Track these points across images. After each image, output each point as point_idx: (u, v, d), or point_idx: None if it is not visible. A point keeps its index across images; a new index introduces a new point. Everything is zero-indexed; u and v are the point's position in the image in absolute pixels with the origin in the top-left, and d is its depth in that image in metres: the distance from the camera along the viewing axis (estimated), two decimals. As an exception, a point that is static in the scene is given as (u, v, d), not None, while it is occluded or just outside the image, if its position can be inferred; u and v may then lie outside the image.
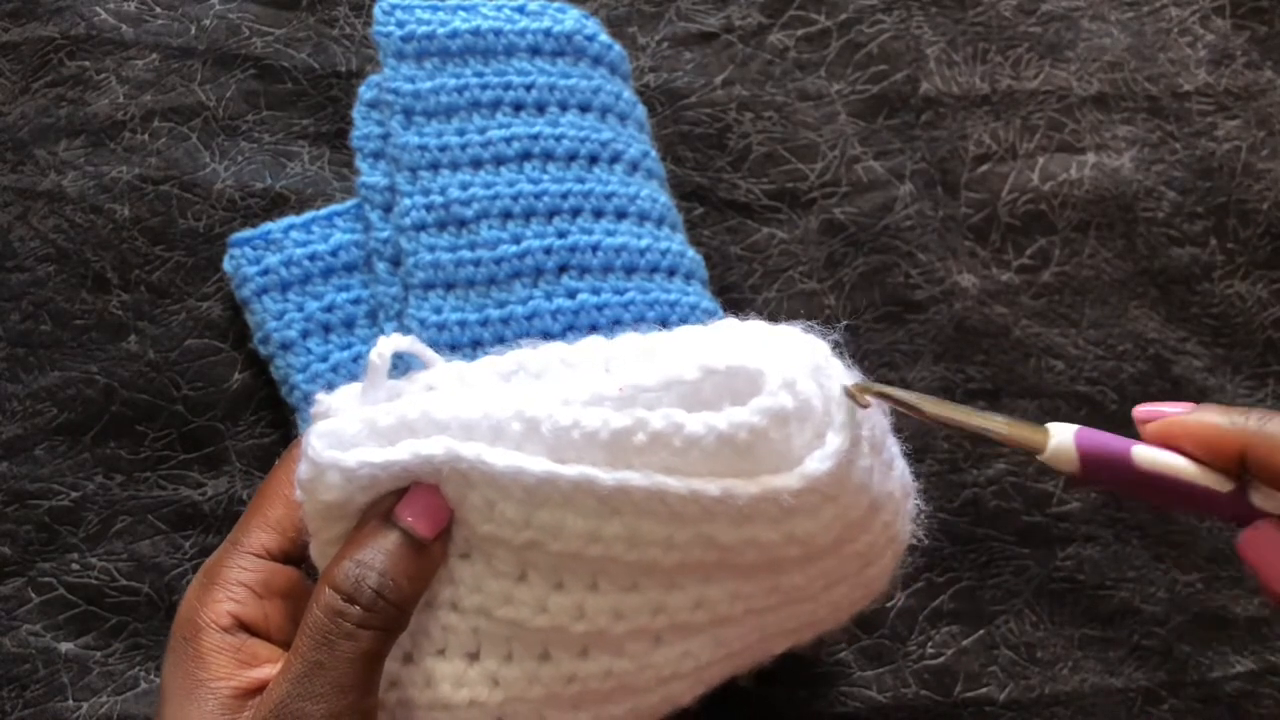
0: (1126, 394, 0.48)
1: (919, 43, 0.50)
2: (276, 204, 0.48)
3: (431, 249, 0.44)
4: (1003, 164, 0.50)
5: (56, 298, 0.47)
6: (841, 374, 0.35)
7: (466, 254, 0.44)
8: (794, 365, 0.34)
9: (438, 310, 0.43)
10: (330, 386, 0.44)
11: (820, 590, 0.37)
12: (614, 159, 0.46)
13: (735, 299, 0.48)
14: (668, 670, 0.36)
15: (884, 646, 0.46)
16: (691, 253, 0.46)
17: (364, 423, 0.34)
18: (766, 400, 0.33)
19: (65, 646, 0.44)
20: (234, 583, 0.36)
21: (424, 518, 0.34)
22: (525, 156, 0.45)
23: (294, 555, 0.38)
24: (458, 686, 0.35)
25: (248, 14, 0.49)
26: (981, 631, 0.46)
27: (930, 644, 0.46)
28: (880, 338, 0.48)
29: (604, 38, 0.47)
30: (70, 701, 0.44)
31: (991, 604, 0.47)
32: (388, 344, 0.36)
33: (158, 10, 0.49)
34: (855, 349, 0.48)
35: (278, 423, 0.46)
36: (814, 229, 0.49)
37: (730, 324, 0.37)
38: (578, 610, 0.35)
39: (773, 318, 0.48)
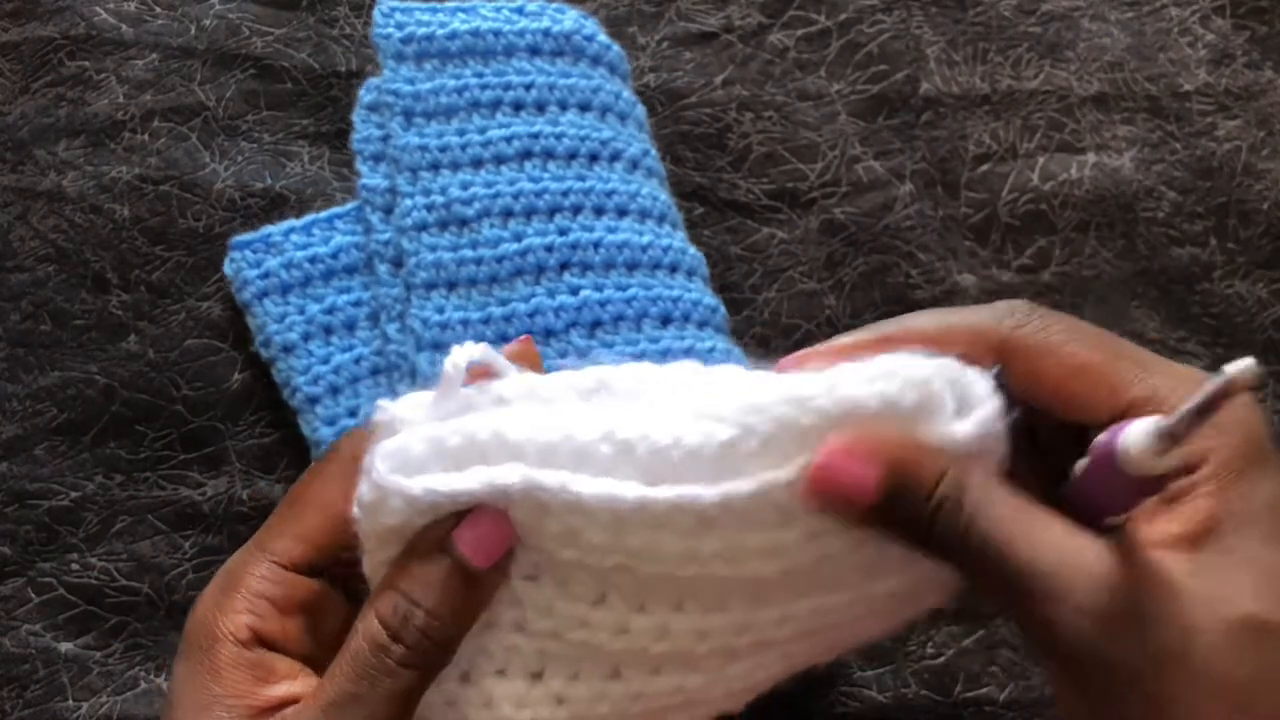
0: (1126, 394, 0.48)
1: (919, 43, 0.50)
2: (276, 204, 0.48)
3: (433, 249, 0.44)
4: (1003, 164, 0.50)
5: (56, 298, 0.47)
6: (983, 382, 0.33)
7: (468, 253, 0.44)
8: (925, 364, 0.32)
9: (440, 310, 0.43)
10: (334, 389, 0.44)
11: (902, 601, 0.35)
12: (614, 157, 0.46)
13: (735, 299, 0.48)
14: (738, 685, 0.35)
15: (884, 646, 0.46)
16: (693, 250, 0.46)
17: (431, 442, 0.32)
18: (901, 376, 0.31)
19: (65, 646, 0.44)
20: (256, 594, 0.35)
21: (481, 547, 0.32)
22: (526, 155, 0.45)
23: (319, 566, 0.36)
24: (519, 707, 0.34)
25: (248, 14, 0.49)
26: (981, 631, 0.46)
27: (930, 644, 0.46)
28: (880, 338, 0.48)
29: (602, 38, 0.47)
30: (70, 701, 0.44)
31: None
32: (462, 353, 0.33)
33: (158, 10, 0.50)
34: (855, 349, 0.48)
35: (278, 423, 0.46)
36: (814, 229, 0.49)
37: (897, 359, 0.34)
38: (661, 631, 0.33)
39: (773, 318, 0.48)
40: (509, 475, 0.31)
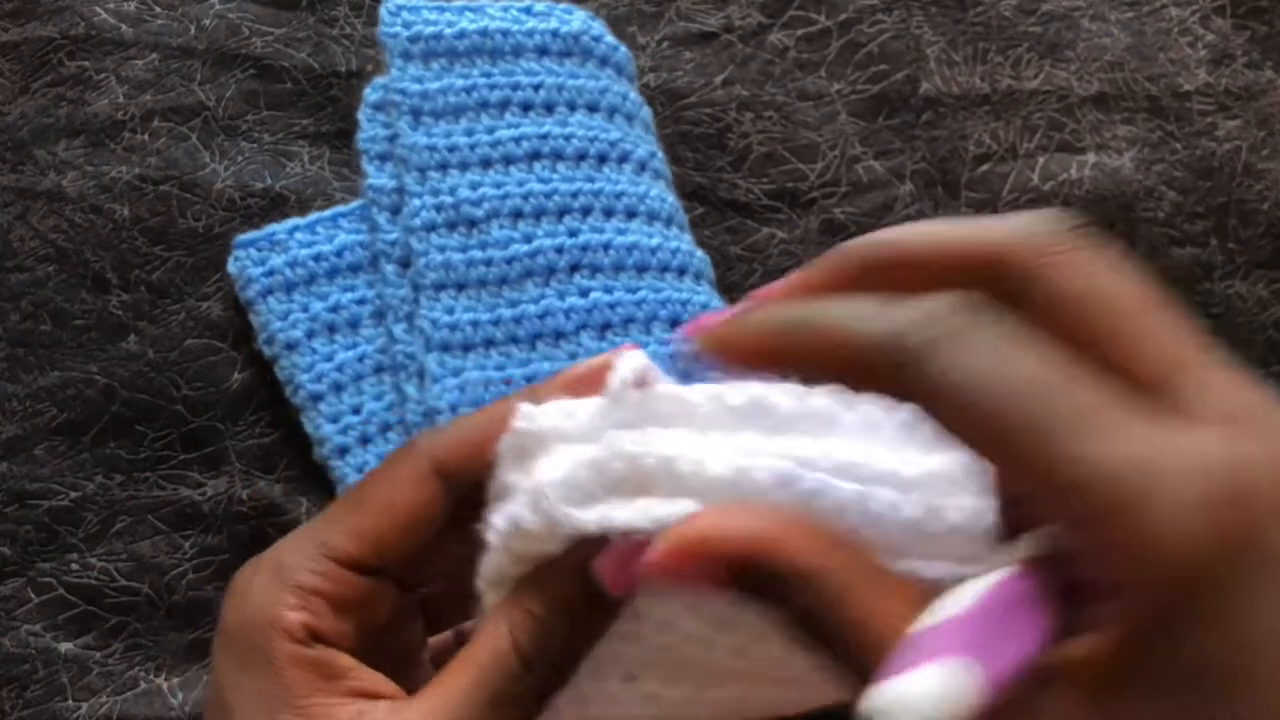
0: (1127, 394, 0.48)
1: (919, 43, 0.50)
2: (276, 204, 0.48)
3: (442, 249, 0.44)
4: (1003, 164, 0.50)
5: (56, 298, 0.47)
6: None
7: (478, 254, 0.44)
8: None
9: (450, 310, 0.43)
10: (337, 386, 0.44)
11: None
12: (623, 158, 0.46)
13: (735, 299, 0.48)
14: (813, 701, 0.34)
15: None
16: (700, 253, 0.46)
17: (595, 468, 0.30)
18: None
19: (65, 646, 0.44)
20: (311, 590, 0.32)
21: (622, 577, 0.30)
22: (534, 156, 0.45)
23: (376, 568, 0.34)
24: (609, 705, 0.33)
25: (248, 14, 0.49)
26: (982, 631, 0.46)
27: (930, 644, 0.46)
28: (880, 338, 0.48)
29: (610, 38, 0.47)
30: (70, 701, 0.44)
31: (992, 604, 0.47)
32: (628, 363, 0.31)
33: (158, 10, 0.49)
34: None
35: (278, 423, 0.46)
36: (814, 229, 0.49)
37: None
38: (782, 661, 0.31)
39: (773, 318, 0.48)
40: (683, 515, 0.29)
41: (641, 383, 0.31)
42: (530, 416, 0.31)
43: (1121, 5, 0.51)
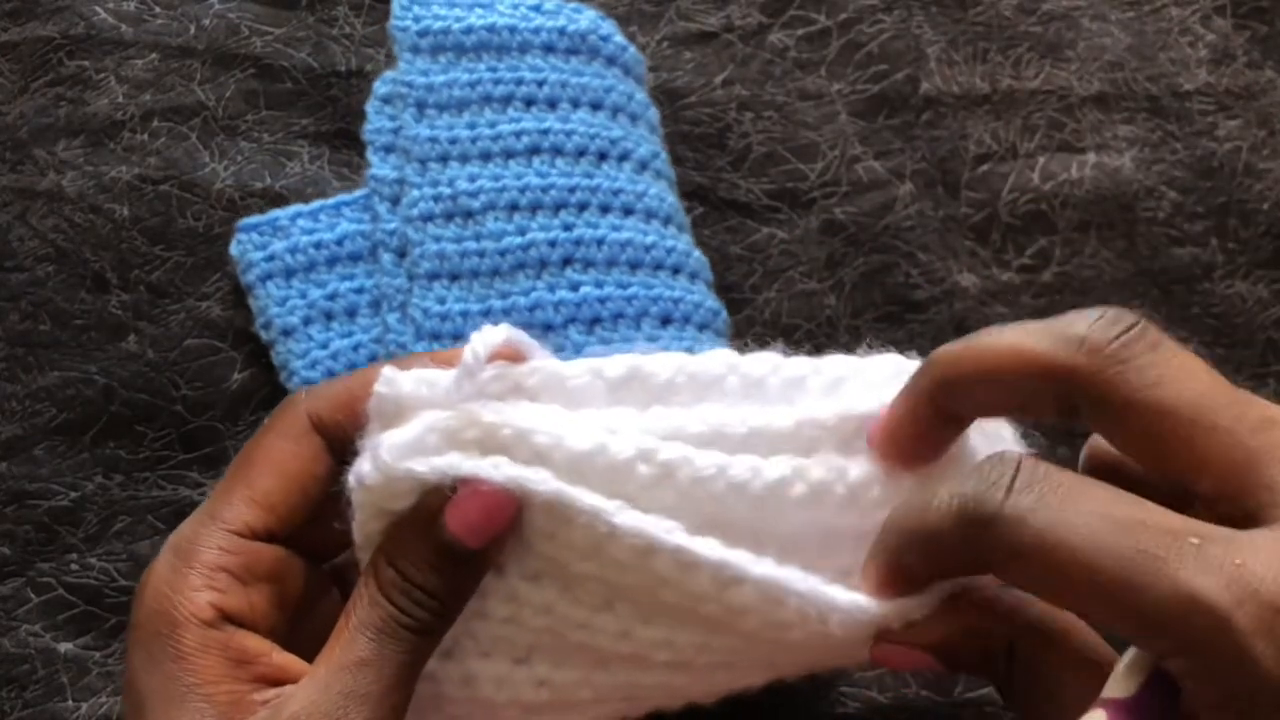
0: (1127, 394, 0.48)
1: (919, 42, 0.50)
2: (276, 204, 0.48)
3: (437, 239, 0.44)
4: (1003, 164, 0.49)
5: (56, 298, 0.47)
6: (1009, 432, 0.33)
7: (471, 245, 0.44)
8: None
9: (441, 300, 0.43)
10: (331, 374, 0.44)
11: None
12: (623, 157, 0.46)
13: (735, 299, 0.48)
14: (722, 687, 0.34)
15: (884, 647, 0.46)
16: (697, 253, 0.46)
17: (444, 435, 0.30)
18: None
19: (64, 646, 0.44)
20: (213, 567, 0.32)
21: (475, 529, 0.30)
22: (534, 151, 0.45)
23: (277, 532, 0.33)
24: (500, 687, 0.33)
25: (247, 14, 0.49)
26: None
27: (930, 644, 0.46)
28: (880, 338, 0.48)
29: (619, 38, 0.47)
30: (69, 702, 0.44)
31: (992, 604, 0.47)
32: (486, 337, 0.30)
33: (157, 10, 0.50)
34: (855, 349, 0.48)
35: (277, 423, 0.46)
36: (814, 229, 0.49)
37: (892, 359, 0.34)
38: (665, 643, 0.32)
39: (773, 318, 0.48)
40: (540, 483, 0.29)
41: (514, 358, 0.31)
42: (391, 381, 0.31)
43: (1122, 5, 0.51)
